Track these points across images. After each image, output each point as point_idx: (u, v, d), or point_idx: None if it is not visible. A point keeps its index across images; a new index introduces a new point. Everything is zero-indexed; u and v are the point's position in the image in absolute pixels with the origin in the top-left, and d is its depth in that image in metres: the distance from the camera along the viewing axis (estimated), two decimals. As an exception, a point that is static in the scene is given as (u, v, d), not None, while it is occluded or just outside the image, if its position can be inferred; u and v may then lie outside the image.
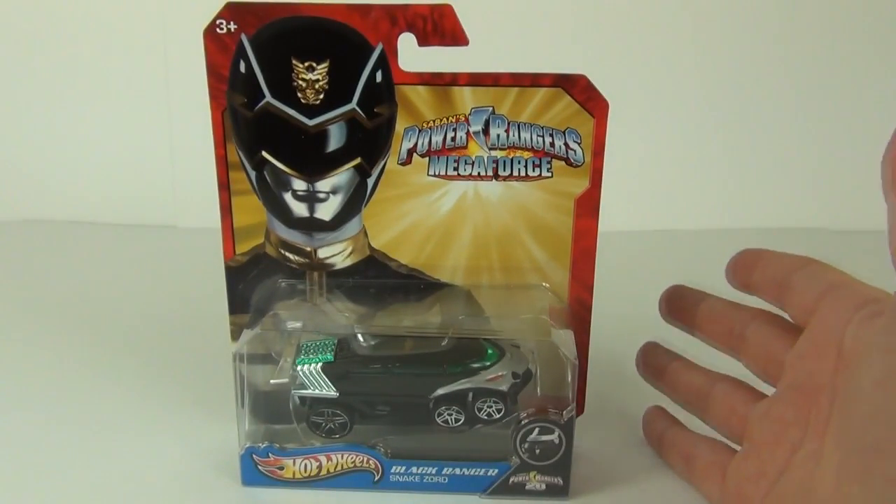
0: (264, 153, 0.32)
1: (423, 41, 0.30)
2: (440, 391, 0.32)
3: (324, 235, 0.34)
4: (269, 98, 0.31)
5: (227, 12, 0.31)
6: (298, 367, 0.33)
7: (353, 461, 0.32)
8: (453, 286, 0.34)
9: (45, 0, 0.67)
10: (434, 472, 0.32)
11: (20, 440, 0.37)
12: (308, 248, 0.34)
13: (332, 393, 0.32)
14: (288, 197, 0.33)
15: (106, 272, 0.59)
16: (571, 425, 0.31)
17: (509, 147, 0.32)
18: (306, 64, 0.31)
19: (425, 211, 0.33)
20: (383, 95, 0.31)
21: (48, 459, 0.36)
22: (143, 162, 0.70)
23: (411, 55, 0.31)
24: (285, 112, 0.31)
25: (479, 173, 0.32)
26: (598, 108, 0.31)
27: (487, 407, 0.32)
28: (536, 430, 0.31)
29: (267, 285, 0.35)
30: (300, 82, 0.31)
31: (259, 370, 0.34)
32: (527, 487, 0.32)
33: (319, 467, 0.33)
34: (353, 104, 0.31)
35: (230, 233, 0.34)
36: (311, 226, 0.33)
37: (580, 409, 0.35)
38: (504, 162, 0.32)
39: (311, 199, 0.33)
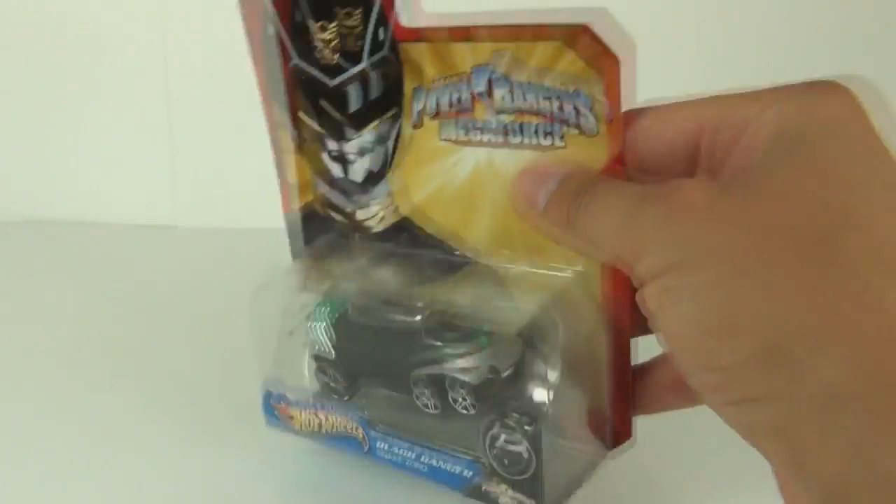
0: (300, 113, 0.33)
1: None
2: (417, 371, 0.30)
3: (358, 197, 0.33)
4: (296, 59, 0.32)
5: None
6: (308, 324, 0.33)
7: (344, 425, 0.32)
8: (481, 264, 0.31)
9: (45, 0, 0.67)
10: (413, 456, 0.30)
11: (20, 440, 0.37)
12: (348, 209, 0.34)
13: (331, 354, 0.32)
14: (325, 157, 0.33)
15: (106, 272, 0.59)
16: (538, 439, 0.27)
17: (516, 111, 0.28)
18: (319, 24, 0.31)
19: (444, 178, 0.30)
20: (388, 54, 0.30)
21: (48, 459, 0.36)
22: (143, 162, 0.70)
23: (412, 10, 0.29)
24: (310, 72, 0.32)
25: (490, 139, 0.29)
26: (608, 65, 0.25)
27: (462, 398, 0.30)
28: (503, 436, 0.28)
29: (319, 240, 0.35)
30: (317, 43, 0.31)
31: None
32: (500, 501, 0.29)
33: (320, 424, 0.32)
34: (365, 63, 0.31)
35: (286, 188, 0.35)
36: (347, 186, 0.33)
37: (626, 434, 0.29)
38: (514, 128, 0.28)
39: (342, 159, 0.33)
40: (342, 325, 0.32)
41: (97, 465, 0.35)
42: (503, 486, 0.28)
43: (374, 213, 0.33)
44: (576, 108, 0.26)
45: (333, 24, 0.30)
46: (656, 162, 0.25)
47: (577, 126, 0.26)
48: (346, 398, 0.33)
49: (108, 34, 0.67)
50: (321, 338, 0.32)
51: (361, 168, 0.32)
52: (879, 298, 0.18)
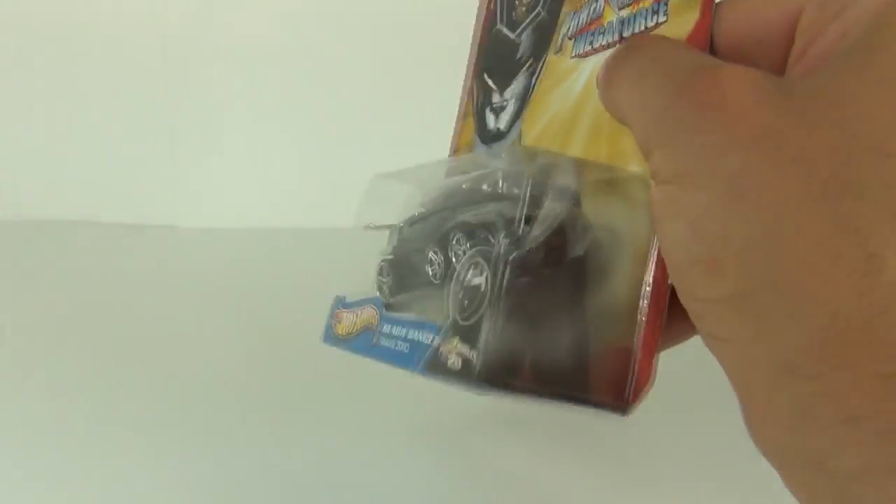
0: (484, 74, 0.34)
1: None
2: (437, 232, 0.27)
3: (498, 146, 0.34)
4: (498, 24, 0.34)
5: None
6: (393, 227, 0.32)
7: (369, 316, 0.29)
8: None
9: (45, 0, 0.67)
10: (403, 333, 0.27)
11: (20, 440, 0.37)
12: None
13: (390, 253, 0.31)
14: (487, 112, 0.34)
15: (106, 272, 0.59)
16: (501, 267, 0.22)
17: (634, 1, 0.27)
18: None
19: (561, 101, 0.29)
20: None
21: (48, 459, 0.36)
22: (143, 162, 0.70)
23: None
24: (503, 33, 0.33)
25: (607, 42, 0.28)
26: None
27: (460, 251, 0.26)
28: (470, 269, 0.24)
29: None
30: (516, 2, 0.33)
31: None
32: (448, 364, 0.23)
33: (353, 323, 0.31)
34: (540, 7, 0.32)
35: (454, 151, 0.36)
36: (495, 137, 0.33)
37: (644, 381, 0.23)
38: (628, 21, 0.27)
39: (500, 109, 0.33)
40: (409, 224, 0.31)
41: (97, 465, 0.35)
42: (454, 341, 0.23)
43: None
44: None
45: None
46: (751, 46, 0.22)
47: None
48: (389, 298, 0.30)
49: (108, 33, 0.67)
50: (391, 238, 0.31)
51: (508, 114, 0.32)
52: (878, 270, 0.15)
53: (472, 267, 0.24)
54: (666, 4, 0.26)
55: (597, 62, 0.28)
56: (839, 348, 0.15)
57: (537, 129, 0.30)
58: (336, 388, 0.40)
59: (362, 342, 0.29)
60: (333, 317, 0.32)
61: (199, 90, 0.69)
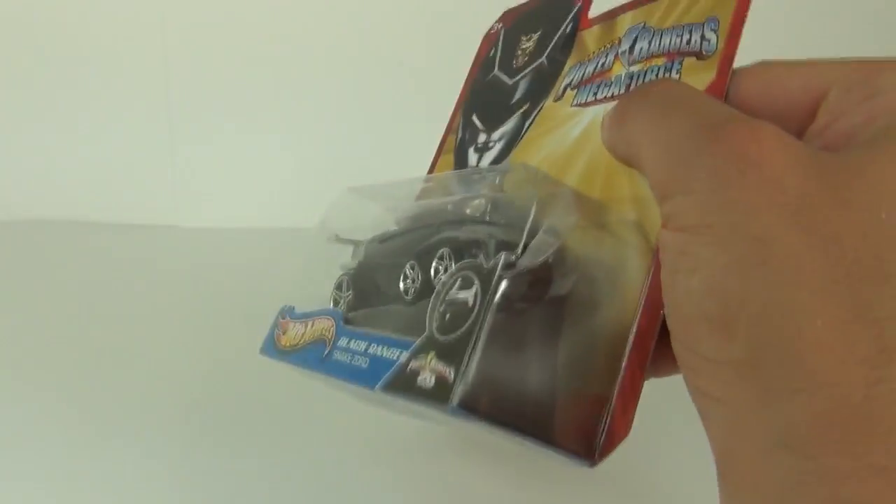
0: (473, 116, 0.35)
1: None
2: (417, 247, 0.26)
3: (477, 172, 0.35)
4: (495, 71, 0.35)
5: (501, 17, 0.36)
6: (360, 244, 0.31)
7: (322, 328, 0.28)
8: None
9: (45, 0, 0.67)
10: (362, 349, 0.25)
11: (20, 440, 0.37)
12: None
13: (353, 265, 0.30)
14: (470, 151, 0.34)
15: (106, 272, 0.59)
16: (492, 281, 0.21)
17: (647, 58, 0.27)
18: (527, 37, 0.34)
19: (556, 144, 0.30)
20: (564, 44, 0.32)
21: (47, 459, 0.36)
22: (143, 162, 0.70)
23: (603, 5, 0.32)
24: (500, 79, 0.34)
25: (613, 94, 0.28)
26: None
27: (442, 267, 0.24)
28: (458, 281, 0.22)
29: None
30: (518, 51, 0.34)
31: None
32: (417, 381, 0.21)
33: (302, 335, 0.29)
34: (543, 57, 0.32)
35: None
36: None
37: (621, 433, 0.22)
38: (638, 75, 0.27)
39: (484, 149, 0.33)
40: (380, 241, 0.30)
41: (97, 465, 0.35)
42: (430, 357, 0.21)
43: None
44: (702, 36, 0.25)
45: (537, 34, 0.33)
46: (768, 116, 0.20)
47: (698, 53, 0.25)
48: (348, 313, 0.29)
49: (108, 34, 0.67)
50: (356, 253, 0.30)
51: (494, 154, 0.33)
52: (889, 363, 0.15)
53: (460, 281, 0.22)
54: (680, 64, 0.26)
55: (598, 111, 0.28)
56: (841, 434, 0.15)
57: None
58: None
59: (310, 355, 0.27)
60: (277, 327, 0.30)
61: (200, 90, 0.69)
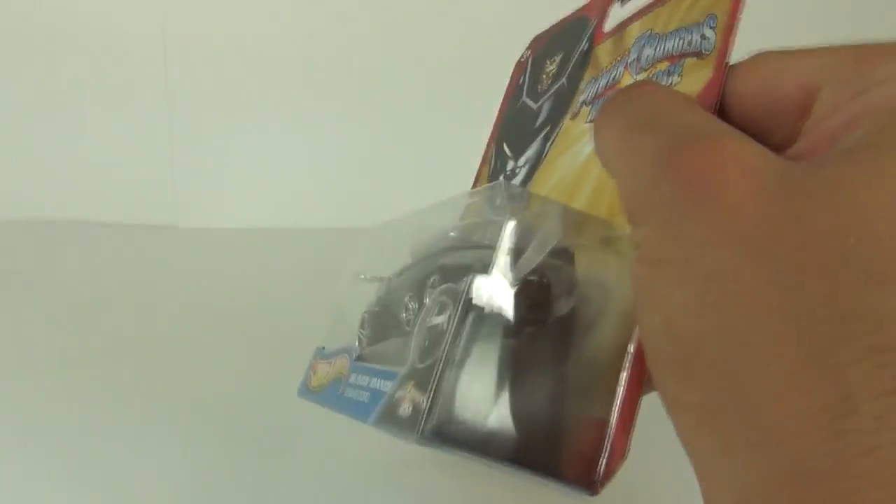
0: (503, 144, 0.35)
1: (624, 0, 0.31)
2: (418, 278, 0.26)
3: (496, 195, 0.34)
4: (523, 98, 0.34)
5: (531, 44, 0.36)
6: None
7: (341, 366, 0.27)
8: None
9: (45, 1, 0.67)
10: (366, 383, 0.24)
11: (20, 440, 0.37)
12: None
13: (375, 305, 0.30)
14: (500, 178, 0.34)
15: (106, 272, 0.59)
16: (464, 305, 0.20)
17: (652, 64, 0.27)
18: (550, 60, 0.34)
19: (569, 164, 0.29)
20: (583, 62, 0.32)
21: (47, 459, 0.36)
22: (143, 162, 0.70)
23: (616, 16, 0.31)
24: (526, 104, 0.34)
25: None
26: None
27: (433, 286, 0.23)
28: (436, 307, 0.21)
29: None
30: (542, 76, 0.34)
31: None
32: (398, 411, 0.20)
33: (327, 373, 0.29)
34: (563, 78, 0.32)
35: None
36: None
37: (618, 456, 0.21)
38: None
39: (511, 176, 0.33)
40: (398, 276, 0.29)
41: (97, 465, 0.35)
42: (410, 385, 0.21)
43: None
44: (702, 35, 0.25)
45: (559, 57, 0.33)
46: (764, 113, 0.20)
47: (697, 53, 0.24)
48: (365, 350, 0.28)
49: (108, 33, 0.67)
50: (380, 290, 0.30)
51: (518, 179, 0.32)
52: (848, 414, 0.14)
53: (438, 306, 0.21)
54: (681, 66, 0.25)
55: None
56: (803, 492, 0.14)
57: (543, 192, 0.30)
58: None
59: (330, 394, 0.27)
60: (311, 368, 0.31)
61: (200, 90, 0.69)
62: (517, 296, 0.20)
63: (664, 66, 0.26)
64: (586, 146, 0.28)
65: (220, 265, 0.61)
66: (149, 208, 0.70)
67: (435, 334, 0.20)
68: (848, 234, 0.15)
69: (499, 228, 0.23)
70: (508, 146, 0.34)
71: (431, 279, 0.24)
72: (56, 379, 0.43)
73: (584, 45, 0.32)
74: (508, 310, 0.20)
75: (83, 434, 0.38)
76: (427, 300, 0.24)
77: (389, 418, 0.21)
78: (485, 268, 0.21)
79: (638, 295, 0.17)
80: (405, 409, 0.20)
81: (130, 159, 0.70)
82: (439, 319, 0.21)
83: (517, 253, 0.21)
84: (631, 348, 0.21)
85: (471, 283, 0.20)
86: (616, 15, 0.31)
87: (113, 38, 0.67)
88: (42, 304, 0.53)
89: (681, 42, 0.26)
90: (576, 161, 0.29)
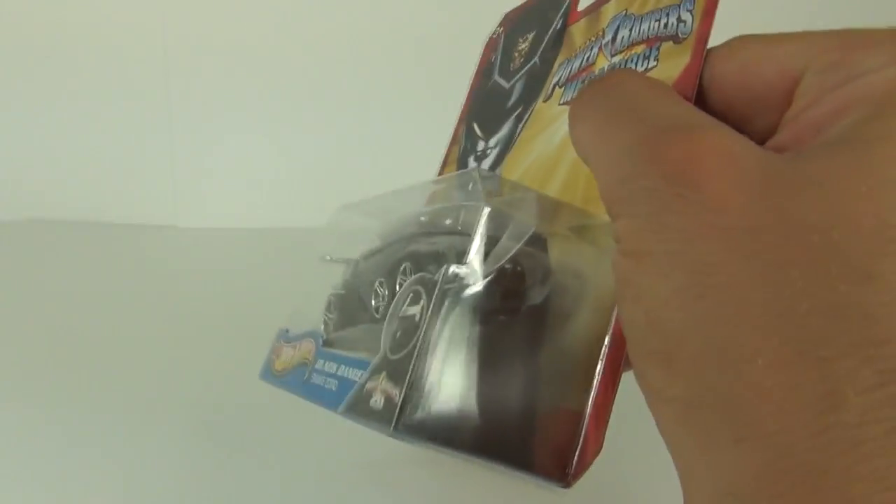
0: (473, 123, 0.34)
1: None
2: (388, 263, 0.25)
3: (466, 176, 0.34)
4: (495, 76, 0.34)
5: (502, 21, 0.36)
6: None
7: (306, 350, 0.27)
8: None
9: (45, 1, 0.67)
10: (334, 370, 0.24)
11: (20, 439, 0.37)
12: None
13: (341, 288, 0.29)
14: (470, 160, 0.34)
15: (106, 272, 0.59)
16: (439, 295, 0.19)
17: (627, 47, 0.26)
18: (522, 38, 0.33)
19: (544, 146, 0.28)
20: (556, 42, 0.31)
21: (47, 458, 0.36)
22: (143, 162, 0.70)
23: None
24: (498, 83, 0.34)
25: None
26: None
27: (403, 282, 0.23)
28: (408, 297, 0.21)
29: None
30: (514, 54, 0.33)
31: None
32: (370, 403, 0.20)
33: (291, 357, 0.28)
34: (536, 58, 0.32)
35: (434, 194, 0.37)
36: None
37: (592, 450, 0.21)
38: (619, 66, 0.26)
39: (482, 156, 0.33)
40: (365, 259, 0.29)
41: (97, 465, 0.35)
42: (381, 376, 0.20)
43: None
44: (679, 17, 0.24)
45: (532, 35, 0.33)
46: (744, 101, 0.20)
47: (674, 36, 0.24)
48: (332, 334, 0.28)
49: (108, 34, 0.67)
50: (346, 272, 0.30)
51: (489, 161, 0.32)
52: (836, 407, 0.13)
53: (411, 295, 0.21)
54: (658, 49, 0.25)
55: None
56: (787, 487, 0.14)
57: (516, 175, 0.30)
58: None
59: (294, 379, 0.27)
60: (273, 351, 0.30)
61: (200, 90, 0.69)
62: (491, 284, 0.20)
63: (640, 49, 0.26)
64: (560, 129, 0.28)
65: (220, 265, 0.61)
66: (149, 208, 0.70)
67: (408, 325, 0.20)
68: (832, 229, 0.14)
69: (472, 214, 0.22)
70: (479, 126, 0.34)
71: (403, 266, 0.23)
72: (56, 379, 0.43)
73: (558, 23, 0.32)
74: (483, 299, 0.20)
75: (83, 434, 0.38)
76: (399, 287, 0.23)
77: (360, 409, 0.20)
78: (458, 256, 0.21)
79: (619, 286, 0.17)
80: (377, 400, 0.20)
81: (130, 160, 0.70)
82: (413, 310, 0.20)
83: (492, 241, 0.21)
84: (607, 340, 0.20)
85: (445, 272, 0.19)
86: None
87: (113, 39, 0.67)
88: (42, 304, 0.53)
89: (657, 24, 0.25)
90: (550, 144, 0.28)
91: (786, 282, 0.14)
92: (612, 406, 0.21)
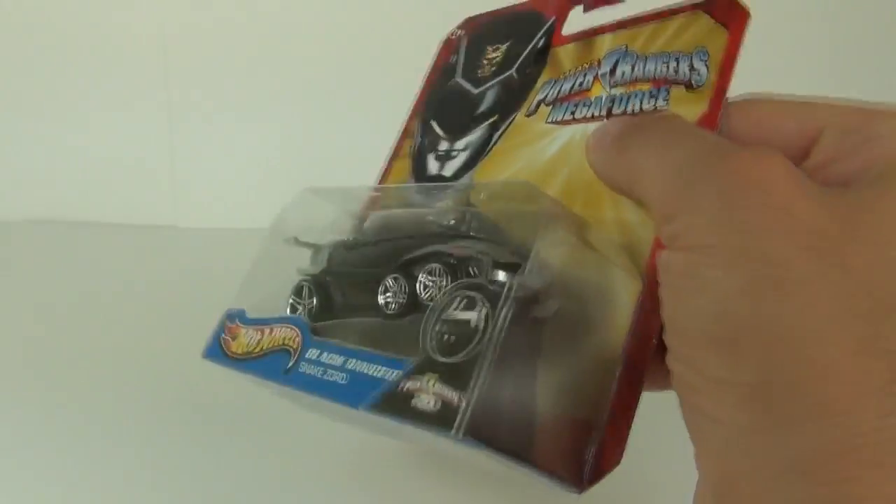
0: (432, 121, 0.35)
1: (588, 7, 0.31)
2: (396, 262, 0.26)
3: (437, 192, 0.33)
4: (457, 78, 0.35)
5: (463, 24, 0.37)
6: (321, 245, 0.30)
7: (284, 336, 0.26)
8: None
9: (46, 2, 0.67)
10: (340, 362, 0.23)
11: (20, 439, 0.37)
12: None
13: (321, 265, 0.29)
14: (430, 157, 0.34)
15: (106, 272, 0.59)
16: (499, 303, 0.20)
17: (630, 83, 0.28)
18: (493, 47, 0.34)
19: (530, 159, 0.30)
20: (537, 58, 0.32)
21: (47, 457, 0.36)
22: (143, 162, 0.70)
23: (577, 22, 0.32)
24: (462, 86, 0.34)
25: (592, 114, 0.28)
26: (736, 18, 0.25)
27: (432, 283, 0.24)
28: (458, 301, 0.21)
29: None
30: (483, 61, 0.34)
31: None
32: (413, 402, 0.20)
33: (258, 342, 0.27)
34: (513, 70, 0.33)
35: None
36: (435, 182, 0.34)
37: (612, 460, 0.21)
38: (621, 99, 0.28)
39: (445, 157, 0.33)
40: (346, 248, 0.29)
41: (97, 464, 0.35)
42: (430, 379, 0.20)
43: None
44: (691, 65, 0.26)
45: (506, 45, 0.34)
46: None
47: (687, 83, 0.26)
48: (311, 322, 0.27)
49: (109, 35, 0.67)
50: (317, 258, 0.29)
51: (457, 163, 0.33)
52: None
53: (462, 301, 0.21)
54: (667, 91, 0.26)
55: (576, 130, 0.28)
56: (854, 463, 0.15)
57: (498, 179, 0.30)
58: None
59: (270, 365, 0.26)
60: (225, 331, 0.30)
61: (200, 90, 0.69)
62: (540, 296, 0.21)
63: (645, 87, 0.27)
64: (550, 145, 0.29)
65: (220, 265, 0.61)
66: (149, 208, 0.70)
67: (463, 330, 0.20)
68: (890, 244, 0.17)
69: (492, 222, 0.24)
70: (441, 126, 0.34)
71: (431, 266, 0.24)
72: (55, 378, 0.43)
73: (539, 42, 0.32)
74: (531, 309, 0.21)
75: (83, 432, 0.38)
76: (423, 287, 0.24)
77: (399, 408, 0.20)
78: (495, 264, 0.22)
79: (677, 279, 0.19)
80: (428, 402, 0.20)
81: (130, 159, 0.70)
82: (468, 315, 0.21)
83: (531, 256, 0.21)
84: (623, 354, 0.21)
85: (513, 284, 0.20)
86: (578, 20, 0.31)
87: (113, 40, 0.67)
88: (42, 304, 0.53)
89: (665, 67, 0.27)
90: (539, 158, 0.29)
91: (852, 283, 0.16)
92: (632, 419, 0.21)
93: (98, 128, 0.70)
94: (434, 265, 0.24)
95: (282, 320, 0.27)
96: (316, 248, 0.30)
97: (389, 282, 0.25)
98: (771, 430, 0.16)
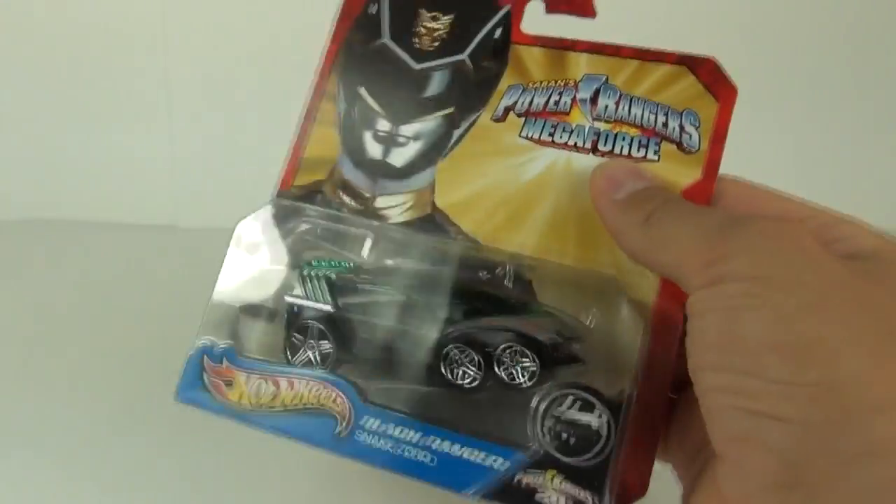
0: (361, 89, 0.32)
1: (551, 8, 0.30)
2: (454, 328, 0.25)
3: (389, 183, 0.31)
4: (385, 39, 0.32)
5: None
6: (303, 272, 0.29)
7: (319, 396, 0.25)
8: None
9: (46, 1, 0.67)
10: (417, 438, 0.23)
11: (20, 438, 0.37)
12: (368, 195, 0.32)
13: (327, 307, 0.27)
14: (367, 136, 0.32)
15: (106, 272, 0.60)
16: (622, 408, 0.22)
17: (615, 121, 0.29)
18: (432, 14, 0.32)
19: (505, 175, 0.30)
20: (495, 51, 0.31)
21: (47, 456, 0.36)
22: (143, 162, 0.70)
23: (536, 20, 0.31)
24: (395, 53, 0.32)
25: (575, 143, 0.29)
26: (725, 93, 0.27)
27: (514, 362, 0.25)
28: (571, 401, 0.23)
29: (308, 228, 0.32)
30: (420, 28, 0.32)
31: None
32: (538, 497, 0.21)
33: (275, 395, 0.25)
34: (465, 55, 0.31)
35: (296, 163, 0.34)
36: (379, 169, 0.32)
37: (636, 491, 0.23)
38: (607, 136, 0.28)
39: (389, 141, 0.32)
40: (350, 276, 0.28)
41: (96, 463, 0.35)
42: (552, 476, 0.22)
43: (401, 202, 0.31)
44: (681, 126, 0.28)
45: (449, 17, 0.32)
46: None
47: (678, 143, 0.28)
48: (323, 368, 0.26)
49: (108, 33, 0.67)
50: (316, 288, 0.28)
51: (409, 153, 0.31)
52: None
53: (576, 402, 0.23)
54: (658, 146, 0.28)
55: (559, 157, 0.29)
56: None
57: (464, 192, 0.30)
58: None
59: (312, 428, 0.25)
60: (210, 372, 0.27)
61: (200, 89, 0.69)
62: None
63: (634, 132, 0.28)
64: (528, 165, 0.29)
65: (220, 265, 0.61)
66: (149, 208, 0.70)
67: (584, 433, 0.23)
68: None
69: (518, 275, 0.27)
70: (374, 97, 0.32)
71: (507, 347, 0.25)
72: (55, 378, 0.43)
73: (496, 31, 0.31)
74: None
75: (83, 432, 0.38)
76: (498, 363, 0.25)
77: (518, 498, 0.22)
78: (564, 347, 0.25)
79: (730, 301, 0.21)
80: (552, 499, 0.22)
81: (130, 159, 0.70)
82: (588, 418, 0.23)
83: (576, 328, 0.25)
84: (634, 393, 0.23)
85: (629, 397, 0.23)
86: (537, 20, 0.30)
87: (113, 38, 0.67)
88: (42, 304, 0.53)
89: (653, 118, 0.28)
90: (513, 178, 0.30)
91: (886, 319, 0.20)
92: (653, 454, 0.23)
93: (98, 127, 0.70)
94: (515, 346, 0.25)
95: (300, 374, 0.26)
96: (304, 276, 0.30)
97: (454, 352, 0.26)
98: (842, 421, 0.19)
